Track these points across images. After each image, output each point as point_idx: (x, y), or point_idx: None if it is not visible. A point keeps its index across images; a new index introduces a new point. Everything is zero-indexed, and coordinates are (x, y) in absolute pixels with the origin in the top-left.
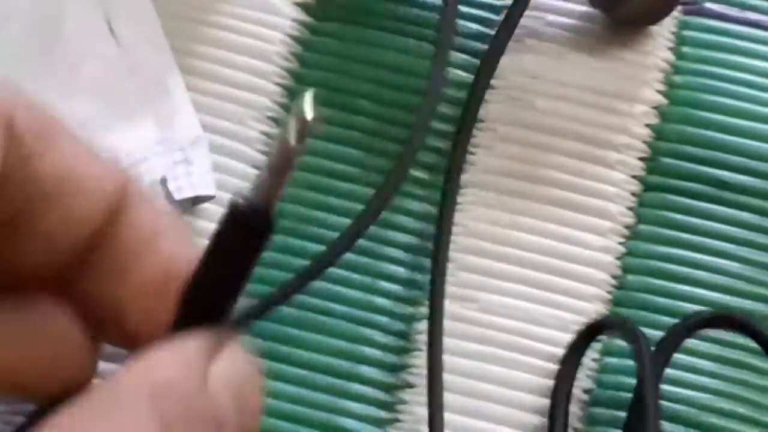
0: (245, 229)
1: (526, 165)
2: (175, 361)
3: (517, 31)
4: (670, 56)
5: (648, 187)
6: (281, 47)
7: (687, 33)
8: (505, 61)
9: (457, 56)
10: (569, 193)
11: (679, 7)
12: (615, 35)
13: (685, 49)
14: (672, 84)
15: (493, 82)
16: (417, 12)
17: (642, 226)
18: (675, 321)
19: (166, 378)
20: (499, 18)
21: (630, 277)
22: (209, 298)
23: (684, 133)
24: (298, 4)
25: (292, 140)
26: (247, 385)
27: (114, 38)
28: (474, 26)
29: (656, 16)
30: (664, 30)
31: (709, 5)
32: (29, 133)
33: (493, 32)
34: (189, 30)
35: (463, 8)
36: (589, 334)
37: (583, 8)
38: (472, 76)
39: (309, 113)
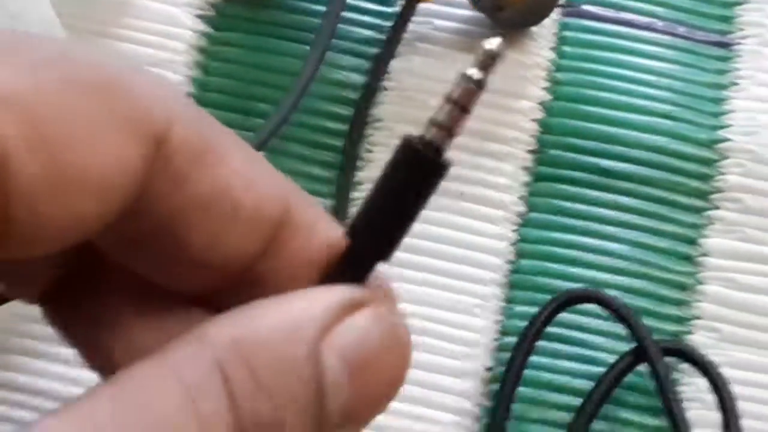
0: (419, 166)
1: None
2: (279, 317)
3: (406, 35)
4: (552, 55)
5: (537, 177)
6: (185, 57)
7: (567, 33)
8: (397, 64)
9: (350, 60)
10: (465, 185)
11: (559, 9)
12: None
13: (566, 48)
14: (555, 81)
15: (387, 84)
16: (311, 20)
17: (533, 214)
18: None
19: (259, 336)
20: (390, 24)
21: (524, 262)
22: (372, 238)
23: (568, 126)
24: (199, 16)
25: (476, 73)
26: (375, 356)
27: None
28: (366, 32)
29: (537, 18)
30: (546, 31)
31: (586, 7)
32: (183, 155)
33: (384, 37)
34: (93, 43)
35: (355, 15)
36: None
37: (469, 13)
38: (366, 78)
39: (495, 47)
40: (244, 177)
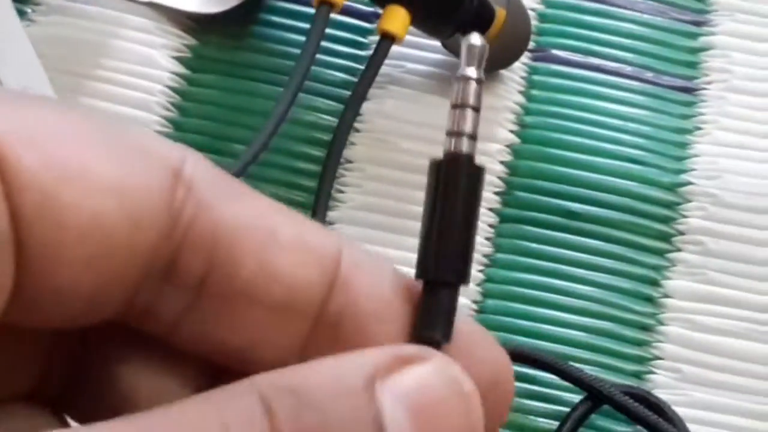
0: (466, 179)
1: (392, 201)
2: (334, 363)
3: (378, 78)
4: (521, 99)
5: (504, 218)
6: (161, 98)
7: (536, 77)
8: (369, 106)
9: (323, 102)
10: None
11: (528, 54)
12: None
13: (535, 92)
14: (523, 124)
15: (358, 125)
16: (286, 63)
17: (499, 255)
18: (533, 342)
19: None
20: (363, 67)
21: (490, 302)
22: (447, 265)
23: (535, 168)
24: (175, 57)
25: (472, 72)
26: (437, 403)
27: (1, 86)
28: (339, 75)
29: (507, 62)
30: (515, 75)
31: (555, 52)
32: (203, 182)
33: (357, 80)
34: (73, 83)
35: (328, 58)
36: None
37: (439, 56)
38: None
39: (478, 41)
40: (276, 207)
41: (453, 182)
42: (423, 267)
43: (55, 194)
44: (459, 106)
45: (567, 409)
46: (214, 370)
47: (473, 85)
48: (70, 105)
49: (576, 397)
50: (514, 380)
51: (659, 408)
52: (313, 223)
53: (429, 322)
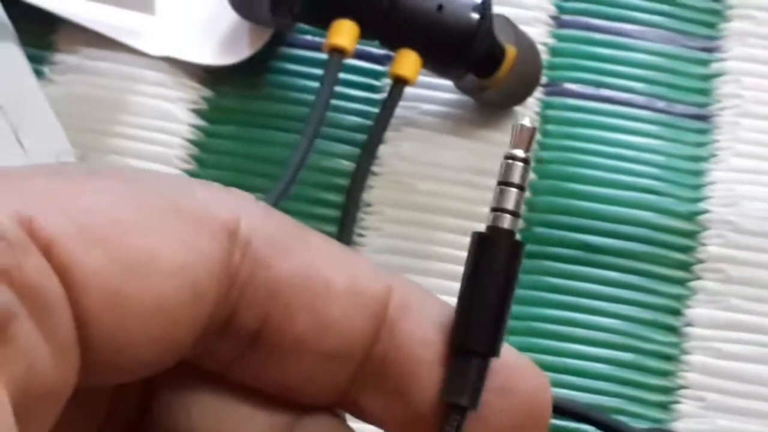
0: (508, 256)
1: (412, 243)
2: None
3: (394, 120)
4: (536, 135)
5: (524, 255)
6: (180, 151)
7: (550, 112)
8: (385, 149)
9: (340, 147)
10: (454, 265)
11: (541, 89)
12: (484, 118)
13: (549, 127)
14: (540, 160)
15: (376, 169)
16: (302, 110)
17: (521, 291)
18: (557, 377)
19: None
20: (377, 110)
21: (513, 339)
22: (482, 336)
23: (553, 204)
24: (192, 110)
25: (521, 153)
26: None
27: (22, 149)
28: (354, 119)
29: (520, 98)
30: (529, 110)
31: (568, 85)
32: (258, 240)
33: (372, 123)
34: (93, 141)
35: (343, 103)
36: None
37: (454, 96)
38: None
39: (528, 123)
40: (330, 256)
41: (492, 256)
42: (456, 333)
43: (120, 290)
44: (504, 183)
45: None
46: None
47: (520, 165)
48: (116, 172)
49: None
50: (551, 407)
51: None
52: (367, 263)
53: (456, 388)
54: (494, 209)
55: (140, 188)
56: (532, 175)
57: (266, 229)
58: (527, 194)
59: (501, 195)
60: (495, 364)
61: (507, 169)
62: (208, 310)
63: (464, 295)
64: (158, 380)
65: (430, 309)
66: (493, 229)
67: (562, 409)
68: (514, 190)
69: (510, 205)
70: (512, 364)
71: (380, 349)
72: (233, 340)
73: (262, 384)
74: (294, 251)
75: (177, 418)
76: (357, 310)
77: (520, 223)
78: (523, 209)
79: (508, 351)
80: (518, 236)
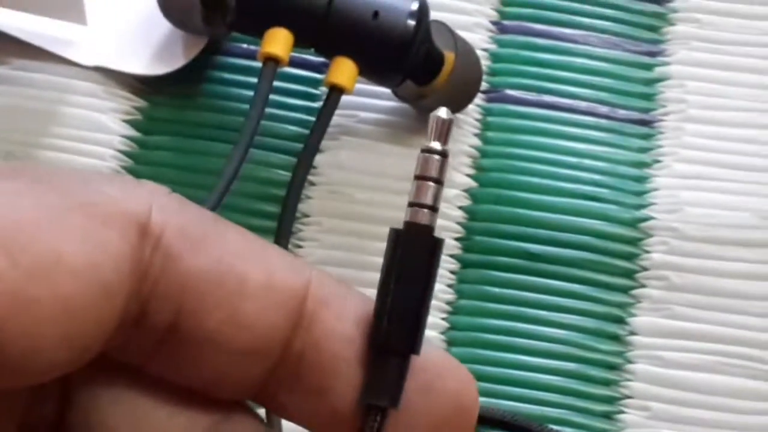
0: (424, 251)
1: (351, 253)
2: None
3: (331, 129)
4: (477, 142)
5: (465, 264)
6: (113, 162)
7: (491, 119)
8: (322, 159)
9: (276, 157)
10: None
11: (482, 95)
12: (422, 125)
13: (491, 134)
14: (480, 168)
15: (313, 178)
16: (236, 119)
17: (462, 302)
18: (500, 388)
19: None
20: (315, 119)
21: (455, 350)
22: (401, 333)
23: (494, 212)
24: (125, 121)
25: (437, 145)
26: None
27: None
28: (292, 128)
29: (460, 105)
30: (470, 118)
31: (509, 91)
32: (170, 232)
33: (309, 132)
34: (23, 153)
35: (279, 112)
36: None
37: (391, 103)
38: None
39: (445, 115)
40: (246, 249)
41: (410, 252)
42: (374, 332)
43: (25, 293)
44: (422, 177)
45: None
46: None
47: (437, 158)
48: (20, 172)
49: None
50: (478, 407)
51: None
52: (284, 257)
53: (376, 388)
54: (411, 204)
55: (45, 188)
56: (473, 183)
57: (179, 222)
58: (468, 202)
59: (418, 189)
60: (418, 362)
61: (424, 163)
62: (119, 307)
63: (382, 293)
64: (76, 377)
65: (351, 304)
66: (411, 225)
67: (483, 418)
68: (431, 184)
69: (428, 199)
70: (436, 363)
71: (298, 345)
72: (148, 332)
73: (180, 378)
74: (208, 244)
75: (96, 416)
76: (273, 306)
77: (438, 218)
78: (440, 204)
79: (432, 349)
80: (437, 229)
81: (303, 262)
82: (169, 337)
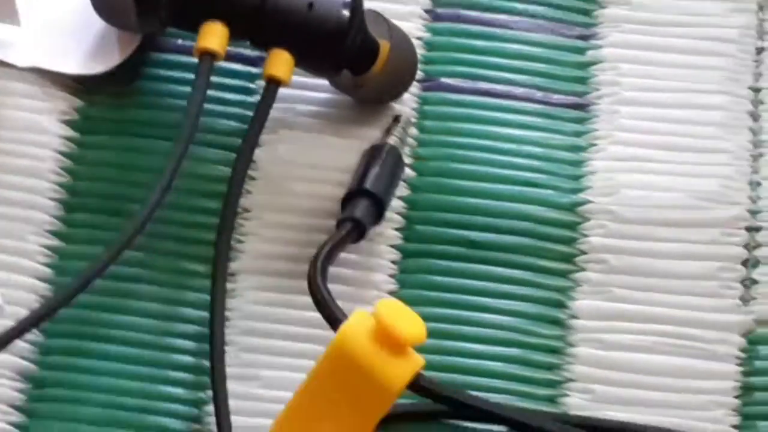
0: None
1: (293, 247)
2: None
3: (269, 122)
4: (414, 131)
5: (407, 254)
6: (52, 163)
7: (427, 108)
8: (261, 153)
9: (216, 153)
10: (337, 267)
11: (418, 84)
12: (360, 115)
13: (428, 123)
14: (419, 157)
15: (253, 173)
16: (175, 116)
17: (405, 291)
18: (444, 375)
19: None
20: (252, 113)
21: None
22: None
23: (434, 201)
24: (63, 121)
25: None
26: None
27: None
28: (230, 123)
29: (396, 94)
30: (406, 107)
31: (444, 80)
32: None
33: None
34: None
35: (217, 107)
36: None
37: (330, 95)
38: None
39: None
40: None
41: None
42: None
43: None
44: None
45: None
46: None
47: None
48: None
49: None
50: None
51: None
52: None
53: None
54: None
55: None
56: (411, 173)
57: None
58: (407, 192)
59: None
60: None
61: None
62: None
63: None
64: None
65: None
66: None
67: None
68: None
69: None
70: None
71: None
72: None
73: None
74: None
75: None
76: None
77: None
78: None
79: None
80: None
81: None
82: None
